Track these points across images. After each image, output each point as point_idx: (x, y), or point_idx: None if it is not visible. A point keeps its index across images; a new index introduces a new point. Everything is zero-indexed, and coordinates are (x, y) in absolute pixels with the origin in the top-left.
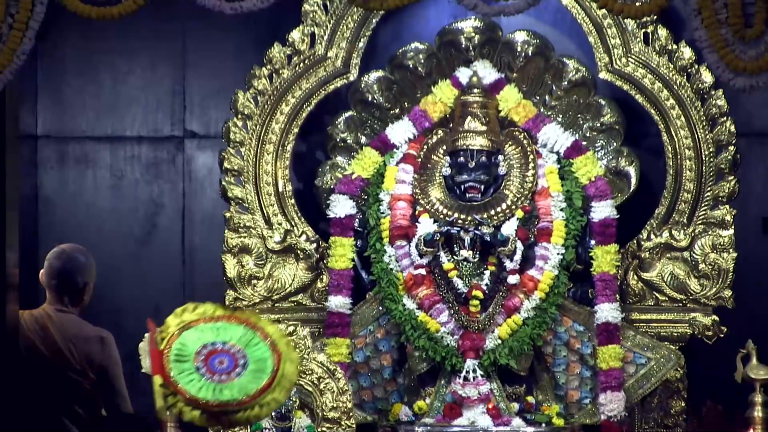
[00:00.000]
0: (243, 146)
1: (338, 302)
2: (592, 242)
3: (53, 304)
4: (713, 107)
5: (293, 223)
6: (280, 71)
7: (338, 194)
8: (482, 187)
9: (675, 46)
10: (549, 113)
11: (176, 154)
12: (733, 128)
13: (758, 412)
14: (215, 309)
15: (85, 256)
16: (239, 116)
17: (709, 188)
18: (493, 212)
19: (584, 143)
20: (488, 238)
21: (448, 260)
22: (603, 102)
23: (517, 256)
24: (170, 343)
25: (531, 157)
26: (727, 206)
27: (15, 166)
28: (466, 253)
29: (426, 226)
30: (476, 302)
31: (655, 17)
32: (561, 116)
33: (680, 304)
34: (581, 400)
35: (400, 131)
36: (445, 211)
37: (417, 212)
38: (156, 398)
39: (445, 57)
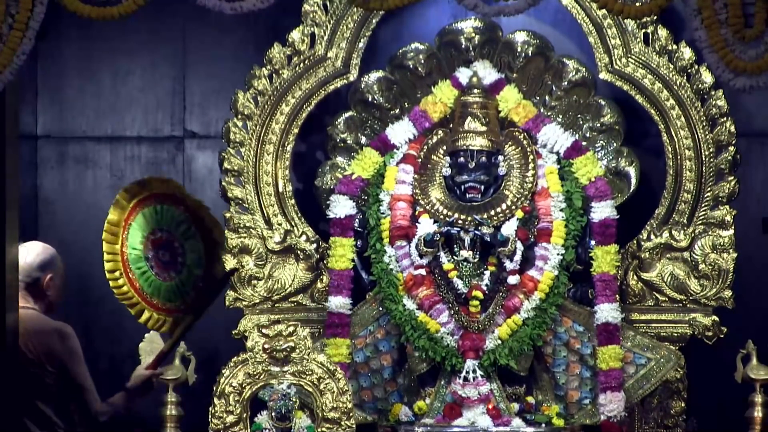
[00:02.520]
0: (243, 146)
1: (338, 303)
2: (592, 242)
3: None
4: (713, 107)
5: (293, 224)
6: (280, 71)
7: (338, 194)
8: (482, 187)
9: (675, 47)
10: (549, 113)
11: (176, 154)
12: (733, 128)
13: (758, 412)
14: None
15: (48, 252)
16: (239, 116)
17: (709, 188)
18: (493, 212)
19: (584, 143)
20: (488, 239)
21: (448, 260)
22: (603, 102)
23: (517, 257)
24: (124, 240)
25: (531, 157)
26: (727, 206)
27: (15, 166)
28: (466, 253)
29: (426, 226)
30: (476, 302)
31: (655, 17)
32: (561, 116)
33: (680, 305)
34: (581, 401)
35: (400, 131)
36: (445, 211)
37: (417, 212)
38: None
39: (445, 57)
